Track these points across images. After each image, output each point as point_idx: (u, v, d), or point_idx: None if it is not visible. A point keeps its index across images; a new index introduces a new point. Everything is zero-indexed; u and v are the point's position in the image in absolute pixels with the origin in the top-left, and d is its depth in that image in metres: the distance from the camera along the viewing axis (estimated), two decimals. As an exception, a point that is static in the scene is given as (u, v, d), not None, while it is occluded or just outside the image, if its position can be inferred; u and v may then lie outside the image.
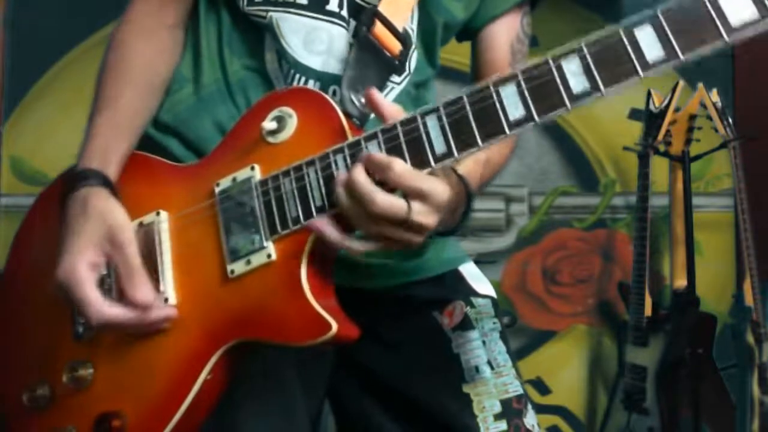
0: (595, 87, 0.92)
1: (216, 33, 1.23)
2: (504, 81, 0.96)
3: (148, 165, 1.18)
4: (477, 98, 0.96)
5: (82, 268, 1.06)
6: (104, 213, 1.10)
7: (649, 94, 3.08)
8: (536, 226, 3.64)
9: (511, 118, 0.95)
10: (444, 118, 0.97)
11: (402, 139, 0.98)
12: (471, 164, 1.13)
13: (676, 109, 3.06)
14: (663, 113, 3.03)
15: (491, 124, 0.96)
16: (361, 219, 0.97)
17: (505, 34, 1.32)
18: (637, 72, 0.90)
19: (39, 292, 1.18)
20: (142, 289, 1.06)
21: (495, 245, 3.60)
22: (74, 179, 1.13)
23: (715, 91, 3.12)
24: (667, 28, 0.89)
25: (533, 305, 3.62)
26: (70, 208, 1.11)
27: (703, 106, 3.12)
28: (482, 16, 1.31)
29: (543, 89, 0.94)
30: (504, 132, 0.95)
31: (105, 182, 1.13)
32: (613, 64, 0.91)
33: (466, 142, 0.96)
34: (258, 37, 1.20)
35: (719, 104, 3.13)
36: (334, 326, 0.98)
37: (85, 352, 1.12)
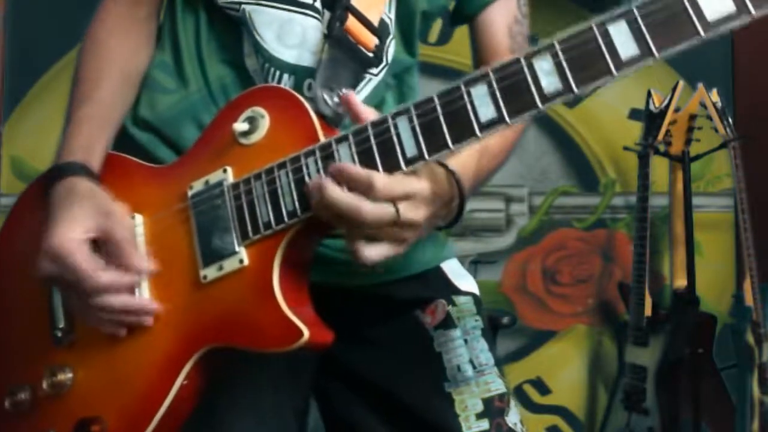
0: (567, 87, 0.89)
1: (194, 34, 1.23)
2: (475, 81, 0.93)
3: (124, 166, 1.17)
4: (448, 99, 0.94)
5: (75, 237, 1.05)
6: (93, 193, 1.10)
7: (649, 94, 3.08)
8: (536, 226, 3.64)
9: (482, 119, 0.92)
10: (415, 120, 0.95)
11: (373, 141, 0.97)
12: (465, 154, 1.10)
13: (676, 109, 3.06)
14: (663, 113, 3.03)
15: (462, 125, 0.93)
16: (353, 229, 0.96)
17: (502, 17, 1.29)
18: (610, 72, 0.87)
19: (20, 294, 1.18)
20: (136, 257, 1.06)
21: (495, 245, 3.60)
22: (58, 171, 1.13)
23: (715, 91, 3.12)
24: (641, 24, 0.86)
25: (533, 305, 3.61)
26: (55, 195, 1.10)
27: (703, 106, 3.12)
28: (476, 1, 1.28)
29: (514, 89, 0.91)
30: (475, 134, 0.93)
31: (90, 174, 1.13)
32: (587, 63, 0.88)
33: (437, 145, 0.94)
34: (237, 38, 1.19)
35: (719, 104, 3.12)
36: (306, 333, 0.97)
37: (64, 356, 1.12)
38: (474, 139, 0.93)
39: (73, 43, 3.44)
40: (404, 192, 0.95)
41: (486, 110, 0.92)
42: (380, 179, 0.94)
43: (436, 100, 0.95)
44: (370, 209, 0.94)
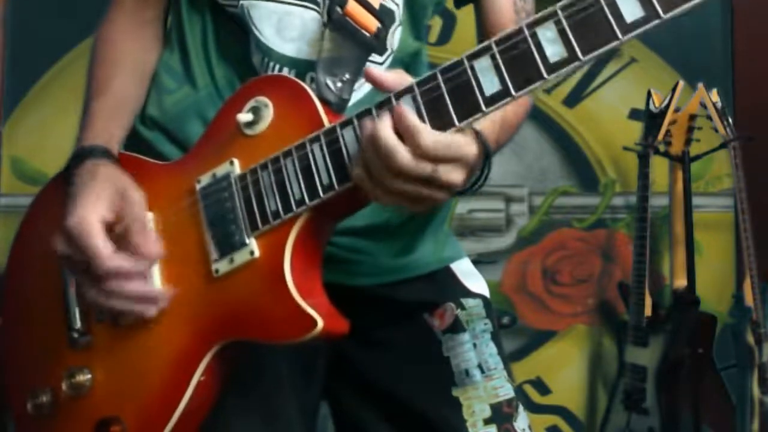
0: (573, 55, 0.86)
1: (201, 34, 1.23)
2: (478, 54, 0.91)
3: (133, 164, 1.17)
4: (451, 75, 0.92)
5: (93, 218, 1.05)
6: (115, 176, 1.11)
7: (649, 94, 3.08)
8: (536, 226, 3.63)
9: (487, 93, 0.90)
10: (419, 99, 0.93)
11: None
12: (487, 123, 1.06)
13: (676, 109, 3.06)
14: (663, 113, 3.03)
15: (467, 101, 0.91)
16: (382, 174, 0.93)
17: None
18: (617, 36, 0.85)
19: (38, 295, 1.18)
20: (150, 243, 1.07)
21: (495, 245, 3.60)
22: (79, 156, 1.13)
23: (715, 91, 3.12)
24: None
25: (533, 305, 3.61)
26: (77, 178, 1.11)
27: (703, 106, 3.12)
28: None
29: (519, 60, 0.88)
30: (481, 110, 0.90)
31: (111, 156, 1.14)
32: (591, 28, 0.85)
33: (442, 123, 0.92)
34: (243, 37, 1.19)
35: (719, 104, 3.12)
36: (320, 322, 0.96)
37: (82, 357, 1.12)
38: (480, 115, 0.91)
39: (73, 44, 3.46)
40: (452, 155, 0.92)
41: (491, 84, 0.90)
42: (428, 136, 0.91)
43: (439, 77, 0.93)
44: (407, 158, 0.91)
